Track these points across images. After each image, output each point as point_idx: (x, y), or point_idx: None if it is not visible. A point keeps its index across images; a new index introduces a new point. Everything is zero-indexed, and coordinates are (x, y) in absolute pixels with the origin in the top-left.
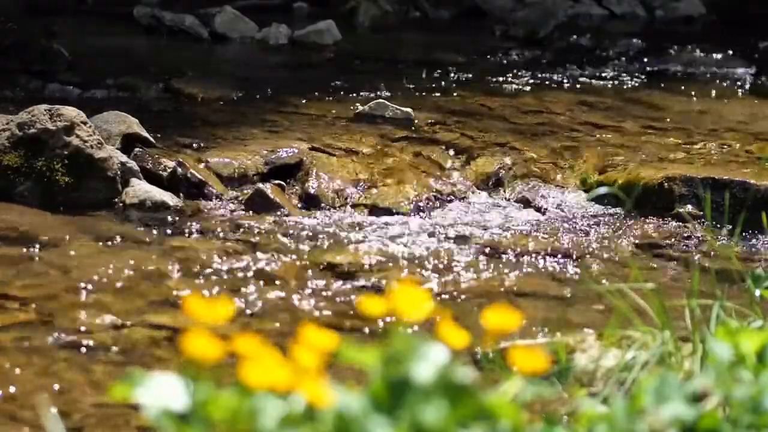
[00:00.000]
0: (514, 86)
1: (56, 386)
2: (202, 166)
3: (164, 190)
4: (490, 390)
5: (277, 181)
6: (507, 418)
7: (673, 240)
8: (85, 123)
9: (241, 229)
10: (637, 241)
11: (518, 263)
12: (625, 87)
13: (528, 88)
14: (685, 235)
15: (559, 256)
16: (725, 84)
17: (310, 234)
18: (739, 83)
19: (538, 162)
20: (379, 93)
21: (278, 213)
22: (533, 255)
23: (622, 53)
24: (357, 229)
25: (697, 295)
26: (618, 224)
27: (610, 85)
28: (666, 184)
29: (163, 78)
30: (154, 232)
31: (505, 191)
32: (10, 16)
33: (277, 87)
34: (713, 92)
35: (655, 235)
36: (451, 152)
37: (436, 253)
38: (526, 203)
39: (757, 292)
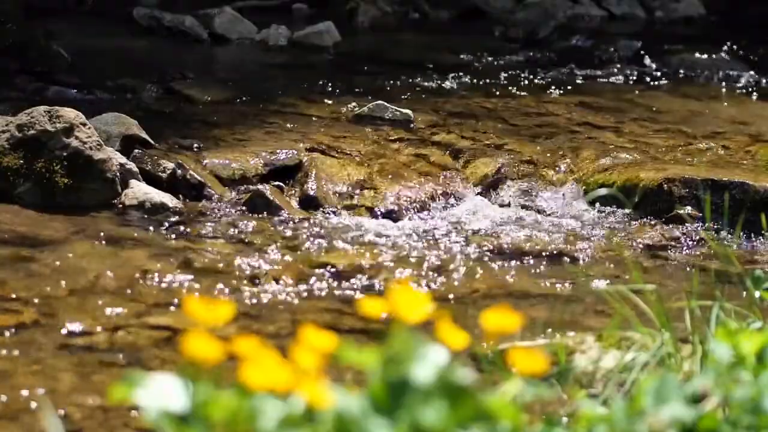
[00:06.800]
0: (514, 87)
1: (56, 387)
2: (201, 167)
3: (163, 191)
4: (490, 391)
5: (276, 183)
6: (506, 419)
7: (672, 241)
8: (84, 124)
9: (241, 231)
10: (636, 243)
11: (517, 264)
12: (624, 88)
13: (527, 89)
14: (685, 236)
15: (558, 257)
16: (724, 85)
17: (310, 235)
18: (738, 84)
19: (537, 163)
20: (378, 94)
21: (277, 214)
22: (532, 256)
23: (621, 54)
24: (356, 230)
25: (696, 296)
26: (617, 225)
27: (609, 86)
28: (665, 185)
29: (163, 79)
30: (154, 233)
31: (504, 192)
32: (9, 17)
33: (276, 88)
34: (712, 93)
35: (654, 236)
36: (451, 153)
37: (435, 254)
38: (525, 204)
39: (757, 294)
